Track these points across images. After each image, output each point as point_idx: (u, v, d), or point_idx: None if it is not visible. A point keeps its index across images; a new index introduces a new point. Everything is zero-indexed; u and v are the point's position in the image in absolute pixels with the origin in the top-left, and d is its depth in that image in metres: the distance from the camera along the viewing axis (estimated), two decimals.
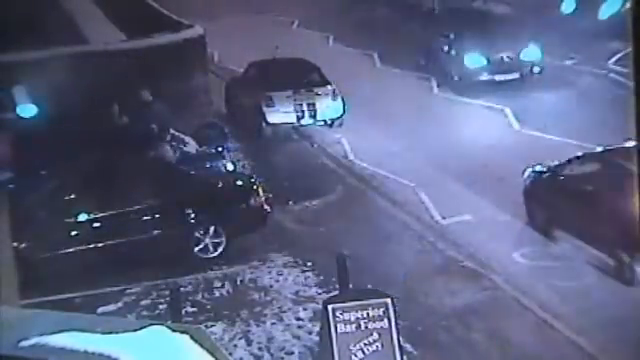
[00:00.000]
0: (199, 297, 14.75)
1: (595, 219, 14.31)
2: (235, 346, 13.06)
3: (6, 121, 17.81)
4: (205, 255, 15.99)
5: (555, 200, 15.54)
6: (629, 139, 14.66)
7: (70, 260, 15.22)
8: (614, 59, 24.64)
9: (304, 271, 15.33)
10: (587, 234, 14.57)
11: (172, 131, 18.90)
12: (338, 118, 22.17)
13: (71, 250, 15.34)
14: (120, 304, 14.59)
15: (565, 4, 29.54)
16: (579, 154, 16.11)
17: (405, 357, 11.46)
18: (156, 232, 15.77)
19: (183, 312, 12.76)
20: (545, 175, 16.00)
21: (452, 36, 25.69)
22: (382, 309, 11.10)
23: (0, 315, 5.42)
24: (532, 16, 27.28)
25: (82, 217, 15.59)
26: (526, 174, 16.44)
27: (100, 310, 14.07)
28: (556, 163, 16.01)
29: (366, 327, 11.04)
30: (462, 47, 24.97)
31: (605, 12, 28.02)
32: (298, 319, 13.72)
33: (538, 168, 16.31)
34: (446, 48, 25.59)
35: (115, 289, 14.88)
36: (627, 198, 12.76)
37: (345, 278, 12.34)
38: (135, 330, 5.12)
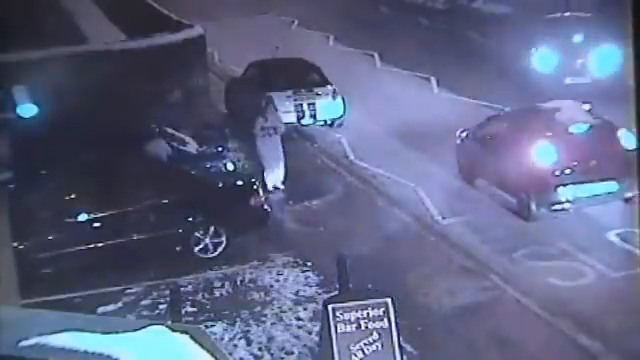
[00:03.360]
0: (199, 297, 14.75)
1: (502, 167, 16.96)
2: (235, 346, 13.06)
3: (6, 121, 17.80)
4: (205, 255, 15.99)
5: (475, 154, 18.06)
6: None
7: (70, 260, 15.23)
8: None
9: (304, 271, 15.33)
10: (498, 180, 17.28)
11: (171, 131, 18.91)
12: (338, 118, 22.18)
13: (71, 250, 15.34)
14: (120, 304, 14.59)
15: (539, 59, 23.84)
16: (492, 115, 19.01)
17: (405, 357, 11.45)
18: (156, 232, 15.76)
19: (183, 312, 12.75)
20: (469, 134, 18.47)
21: None
22: (382, 309, 11.09)
23: (0, 315, 5.41)
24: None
25: (82, 217, 15.60)
26: (457, 134, 18.74)
27: (100, 310, 14.07)
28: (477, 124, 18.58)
29: (366, 327, 11.04)
30: None
31: (602, 69, 22.96)
32: (298, 319, 13.72)
33: (466, 129, 18.74)
34: None
35: (115, 289, 14.89)
36: (525, 149, 16.41)
37: (345, 278, 12.33)
38: (135, 330, 5.12)
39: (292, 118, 21.91)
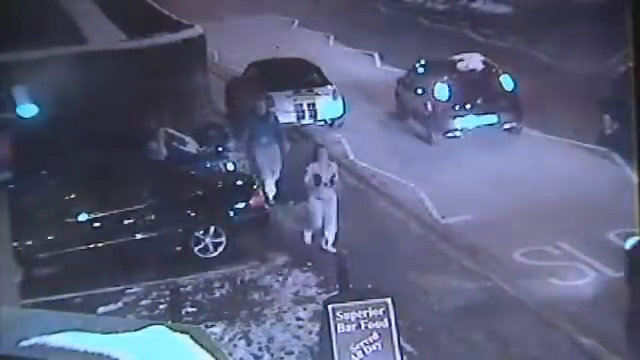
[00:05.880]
0: (199, 297, 14.75)
1: (417, 104, 21.67)
2: (235, 346, 13.06)
3: (6, 121, 17.80)
4: (205, 255, 15.98)
5: (403, 95, 22.75)
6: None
7: (70, 260, 15.24)
8: None
9: (304, 271, 15.33)
10: (414, 114, 21.87)
11: (171, 131, 18.90)
12: (338, 118, 22.21)
13: (71, 250, 15.35)
14: (120, 304, 14.59)
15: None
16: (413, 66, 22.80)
17: (405, 357, 11.45)
18: (156, 232, 15.77)
19: (183, 312, 12.76)
20: (400, 80, 23.10)
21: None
22: (382, 309, 11.10)
23: (0, 315, 5.42)
24: None
25: (82, 217, 15.60)
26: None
27: (100, 310, 14.08)
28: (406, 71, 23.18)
29: (366, 327, 11.04)
30: None
31: None
32: (298, 319, 13.72)
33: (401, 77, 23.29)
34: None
35: (115, 289, 14.89)
36: (430, 89, 21.15)
37: (345, 278, 12.34)
38: (135, 330, 5.12)
39: (292, 118, 21.93)
